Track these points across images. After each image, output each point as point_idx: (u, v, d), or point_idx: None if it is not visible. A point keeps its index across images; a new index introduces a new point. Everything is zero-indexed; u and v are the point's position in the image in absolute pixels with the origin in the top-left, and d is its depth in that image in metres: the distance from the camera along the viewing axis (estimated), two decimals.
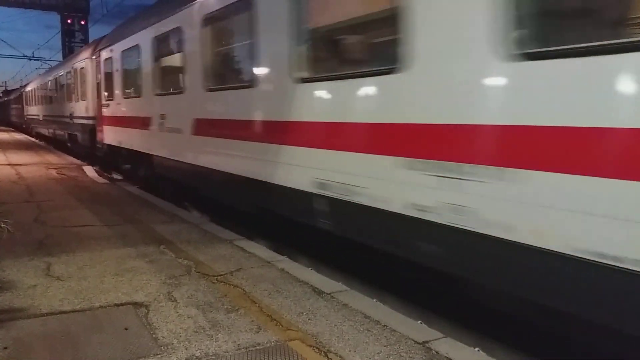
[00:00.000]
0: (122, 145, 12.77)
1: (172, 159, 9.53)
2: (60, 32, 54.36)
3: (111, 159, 14.78)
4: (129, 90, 12.20)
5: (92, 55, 16.11)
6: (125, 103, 12.56)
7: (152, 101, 10.43)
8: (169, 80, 9.68)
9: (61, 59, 41.95)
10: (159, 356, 3.47)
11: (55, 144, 24.77)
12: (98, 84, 15.33)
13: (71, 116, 19.88)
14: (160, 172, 10.51)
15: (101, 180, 13.03)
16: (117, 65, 13.06)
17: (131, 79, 11.97)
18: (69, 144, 21.26)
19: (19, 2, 46.81)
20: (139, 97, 11.28)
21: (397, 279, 5.46)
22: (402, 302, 5.24)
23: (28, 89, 37.54)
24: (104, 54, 14.29)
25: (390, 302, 5.21)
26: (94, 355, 3.47)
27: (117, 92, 13.12)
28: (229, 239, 6.80)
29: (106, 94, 14.28)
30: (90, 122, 16.63)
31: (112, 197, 10.18)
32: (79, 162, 17.18)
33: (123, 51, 12.45)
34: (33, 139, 30.90)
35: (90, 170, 14.73)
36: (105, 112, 14.36)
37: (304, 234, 6.43)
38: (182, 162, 8.97)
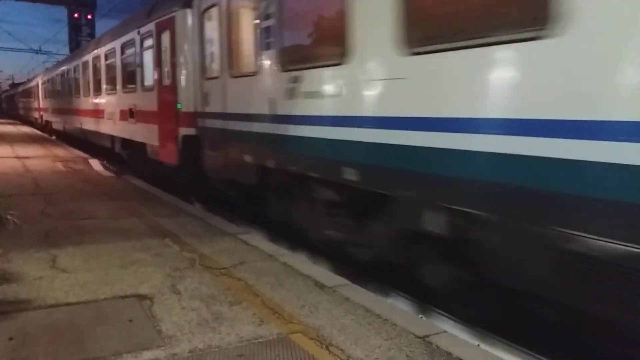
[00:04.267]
0: None
1: None
2: (67, 26, 54.56)
3: None
4: None
5: None
6: None
7: None
8: None
9: (68, 53, 39.89)
10: (163, 348, 3.51)
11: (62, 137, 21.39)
12: None
13: None
14: None
15: (107, 173, 13.10)
16: None
17: None
18: None
19: None
20: None
21: (399, 273, 5.48)
22: (403, 297, 5.27)
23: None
24: None
25: (392, 296, 5.25)
26: (99, 346, 3.51)
27: None
28: (232, 233, 6.84)
29: None
30: None
31: (117, 190, 10.25)
32: (85, 155, 17.26)
33: None
34: (40, 132, 30.30)
35: (96, 164, 14.81)
36: None
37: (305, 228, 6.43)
38: None
